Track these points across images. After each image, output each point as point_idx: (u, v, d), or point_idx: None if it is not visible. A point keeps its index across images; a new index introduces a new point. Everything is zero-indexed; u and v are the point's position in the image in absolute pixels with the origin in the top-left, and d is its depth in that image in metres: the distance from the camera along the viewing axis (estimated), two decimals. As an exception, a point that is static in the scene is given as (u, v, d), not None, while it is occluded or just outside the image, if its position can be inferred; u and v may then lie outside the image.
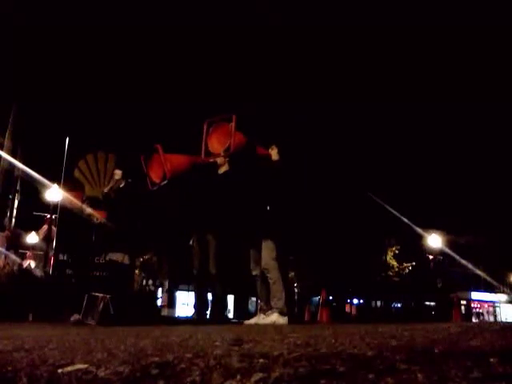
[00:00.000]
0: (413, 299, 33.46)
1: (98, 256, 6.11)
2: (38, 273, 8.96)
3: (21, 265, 10.01)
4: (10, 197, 13.89)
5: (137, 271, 7.14)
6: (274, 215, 4.51)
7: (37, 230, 14.87)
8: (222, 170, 5.14)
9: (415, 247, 30.01)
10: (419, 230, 26.52)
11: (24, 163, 12.98)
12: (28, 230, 15.39)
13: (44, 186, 13.48)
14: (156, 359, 1.25)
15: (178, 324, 5.79)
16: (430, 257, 28.34)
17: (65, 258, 8.02)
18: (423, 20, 35.36)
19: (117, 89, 20.59)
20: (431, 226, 26.85)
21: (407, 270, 31.12)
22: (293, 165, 4.89)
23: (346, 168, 27.66)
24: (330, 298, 25.12)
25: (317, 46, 30.39)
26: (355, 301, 34.54)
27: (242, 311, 25.27)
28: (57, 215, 9.31)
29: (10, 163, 12.78)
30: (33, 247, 14.02)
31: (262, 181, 4.65)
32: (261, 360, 1.13)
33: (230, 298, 26.37)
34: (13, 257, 11.06)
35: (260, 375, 0.96)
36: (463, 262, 30.87)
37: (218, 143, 4.84)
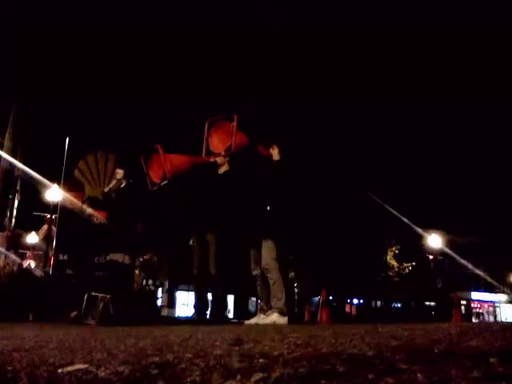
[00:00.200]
0: (413, 299, 33.47)
1: (98, 256, 6.11)
2: (38, 273, 8.95)
3: (21, 265, 10.00)
4: (10, 197, 13.88)
5: (137, 271, 7.13)
6: (274, 215, 4.51)
7: (37, 230, 14.87)
8: (222, 170, 5.14)
9: (415, 247, 30.02)
10: (419, 230, 26.53)
11: (24, 163, 12.98)
12: (28, 230, 15.39)
13: (44, 186, 13.48)
14: (156, 359, 1.25)
15: (178, 324, 5.79)
16: (430, 257, 28.34)
17: (65, 258, 8.02)
18: (423, 19, 35.36)
19: (117, 89, 20.60)
20: (431, 226, 26.87)
21: (407, 270, 31.14)
22: (293, 165, 4.88)
23: (345, 168, 27.67)
24: (330, 298, 25.13)
25: (317, 45, 30.39)
26: (355, 301, 34.56)
27: (241, 311, 25.28)
28: (57, 215, 9.30)
29: (10, 163, 12.78)
30: (33, 247, 14.00)
31: (262, 181, 4.65)
32: (261, 360, 1.13)
33: (230, 298, 26.38)
34: (13, 257, 11.04)
35: (260, 375, 0.96)
36: (463, 261, 30.87)
37: (219, 142, 4.84)
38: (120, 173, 5.96)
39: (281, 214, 4.53)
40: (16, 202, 14.23)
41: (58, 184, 9.40)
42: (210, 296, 5.35)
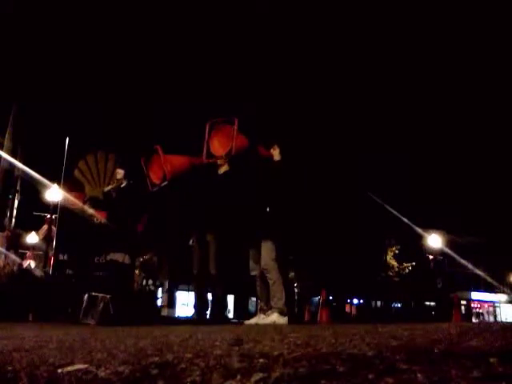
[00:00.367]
0: (413, 299, 33.49)
1: (98, 256, 6.11)
2: (38, 273, 8.96)
3: (21, 265, 10.00)
4: (10, 197, 13.88)
5: (137, 271, 7.13)
6: (273, 216, 4.51)
7: (37, 230, 14.87)
8: (222, 171, 5.14)
9: (415, 247, 30.04)
10: (419, 230, 26.54)
11: (24, 163, 12.98)
12: (28, 230, 15.39)
13: (44, 186, 13.48)
14: (156, 359, 1.25)
15: (178, 324, 5.79)
16: (430, 257, 28.35)
17: (65, 258, 8.01)
18: (422, 18, 35.38)
19: (117, 89, 20.60)
20: (431, 226, 26.88)
21: (407, 270, 31.16)
22: (294, 165, 4.88)
23: (346, 168, 27.68)
24: (330, 298, 25.14)
25: (317, 45, 30.41)
26: (355, 301, 34.57)
27: (241, 311, 25.29)
28: (57, 215, 9.30)
29: (10, 163, 12.78)
30: (33, 247, 14.00)
31: (262, 181, 4.65)
32: (261, 360, 1.13)
33: (230, 298, 26.39)
34: (13, 257, 11.04)
35: (260, 375, 0.96)
36: (463, 261, 30.89)
37: (219, 145, 4.84)
38: (120, 173, 5.96)
39: (280, 215, 4.53)
40: (16, 202, 14.23)
41: (58, 184, 9.41)
42: (210, 296, 5.36)
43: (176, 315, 25.25)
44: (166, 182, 5.09)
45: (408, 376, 0.89)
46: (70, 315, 5.74)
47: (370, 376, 0.90)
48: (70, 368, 1.21)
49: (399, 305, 35.24)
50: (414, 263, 31.06)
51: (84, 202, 6.94)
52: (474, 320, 29.24)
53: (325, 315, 8.84)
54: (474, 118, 36.22)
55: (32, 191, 14.77)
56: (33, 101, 13.98)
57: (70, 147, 8.66)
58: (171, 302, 28.63)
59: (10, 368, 1.26)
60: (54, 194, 12.58)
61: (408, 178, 31.61)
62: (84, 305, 5.11)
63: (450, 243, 29.25)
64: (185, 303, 28.37)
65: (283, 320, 4.26)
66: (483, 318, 36.28)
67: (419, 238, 27.58)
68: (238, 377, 0.97)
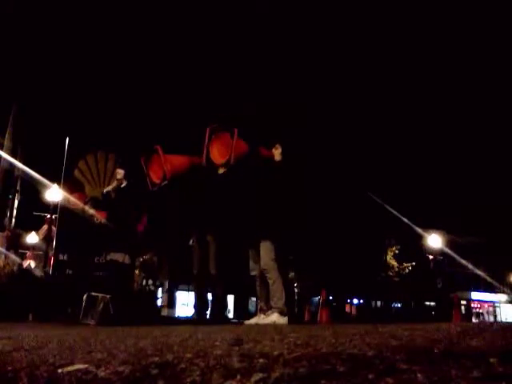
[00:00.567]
0: (413, 299, 33.48)
1: (98, 256, 6.12)
2: (38, 273, 8.96)
3: (21, 265, 10.00)
4: (10, 197, 13.89)
5: (137, 271, 7.14)
6: (272, 216, 4.50)
7: (37, 230, 14.88)
8: (221, 170, 5.14)
9: (415, 247, 30.04)
10: (419, 230, 26.53)
11: (24, 163, 12.98)
12: (28, 230, 15.40)
13: (44, 186, 13.48)
14: (156, 359, 1.25)
15: (178, 324, 5.78)
16: (430, 257, 28.35)
17: (65, 258, 8.02)
18: (422, 17, 35.37)
19: (117, 89, 20.60)
20: (431, 226, 26.88)
21: (407, 270, 31.15)
22: (294, 165, 4.88)
23: (346, 168, 27.67)
24: (330, 298, 25.13)
25: (317, 45, 30.40)
26: (355, 301, 34.56)
27: (242, 311, 25.28)
28: (57, 215, 9.30)
29: (10, 163, 12.78)
30: (33, 247, 14.03)
31: (262, 181, 4.65)
32: (261, 360, 1.13)
33: (230, 298, 26.39)
34: (13, 257, 11.05)
35: (260, 375, 0.96)
36: (463, 262, 30.89)
37: (218, 154, 4.82)
38: (120, 173, 5.96)
39: (279, 215, 4.53)
40: (16, 202, 14.23)
41: (58, 184, 9.41)
42: (210, 296, 5.36)
43: (176, 315, 25.25)
44: (165, 182, 5.08)
45: (408, 376, 0.89)
46: (70, 315, 5.74)
47: (370, 376, 0.90)
48: (70, 368, 1.21)
49: (399, 305, 35.23)
50: (413, 263, 31.05)
51: (85, 203, 6.95)
52: (474, 320, 29.24)
53: (325, 315, 8.84)
54: (474, 118, 36.22)
55: (32, 191, 14.79)
56: (33, 101, 13.98)
57: (69, 147, 8.66)
58: (171, 302, 28.63)
59: (9, 368, 1.26)
60: (54, 193, 12.58)
61: (408, 178, 31.60)
62: (84, 305, 5.11)
63: (449, 243, 29.26)
64: (185, 303, 28.37)
65: (283, 320, 4.26)
66: (483, 318, 36.28)
67: (419, 238, 27.58)
68: (238, 377, 0.97)
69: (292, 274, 23.75)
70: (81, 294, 5.28)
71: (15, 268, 8.22)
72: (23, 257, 12.38)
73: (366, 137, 31.05)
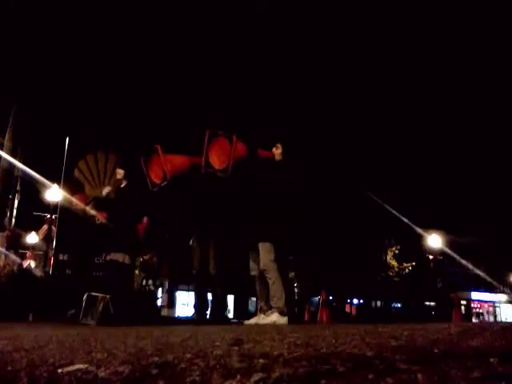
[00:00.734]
0: (413, 299, 33.48)
1: (98, 256, 6.11)
2: (38, 273, 8.97)
3: (21, 265, 10.00)
4: (10, 197, 13.88)
5: (137, 271, 7.13)
6: (272, 216, 4.50)
7: (37, 230, 14.86)
8: (220, 175, 5.12)
9: (415, 247, 30.04)
10: (419, 230, 26.53)
11: (24, 163, 12.98)
12: (28, 229, 15.38)
13: (44, 186, 13.48)
14: (156, 359, 1.25)
15: (178, 324, 5.79)
16: (430, 257, 28.35)
17: (65, 258, 8.02)
18: (422, 17, 35.36)
19: (117, 89, 20.60)
20: (431, 226, 26.86)
21: (407, 270, 31.15)
22: (294, 165, 4.87)
23: (346, 168, 27.67)
24: (330, 298, 25.13)
25: (317, 44, 30.39)
26: (355, 301, 34.55)
27: (242, 311, 25.28)
28: (57, 215, 9.31)
29: (10, 163, 12.77)
30: (33, 247, 14.00)
31: (262, 182, 4.65)
32: (261, 360, 1.13)
33: (230, 298, 26.39)
34: (13, 257, 11.04)
35: (260, 375, 0.96)
36: (463, 261, 30.88)
37: (218, 160, 4.81)
38: (120, 173, 5.95)
39: (279, 215, 4.52)
40: (16, 202, 14.23)
41: (58, 184, 9.41)
42: (210, 296, 5.36)
43: (176, 315, 25.26)
44: (166, 182, 5.08)
45: (408, 376, 0.89)
46: (71, 315, 5.74)
47: (370, 376, 0.90)
48: (70, 368, 1.21)
49: (399, 305, 35.23)
50: (413, 263, 31.05)
51: (87, 204, 6.94)
52: (474, 320, 29.24)
53: (325, 315, 8.85)
54: (474, 118, 36.21)
55: (32, 191, 14.78)
56: (33, 101, 13.98)
57: (69, 147, 8.67)
58: (171, 302, 28.64)
59: (9, 368, 1.26)
60: (54, 194, 12.58)
61: (408, 178, 31.60)
62: (84, 305, 5.11)
63: (449, 243, 29.24)
64: (185, 303, 28.38)
65: (283, 320, 4.25)
66: (483, 318, 36.26)
67: (419, 238, 27.57)
68: (238, 377, 0.97)
69: (292, 274, 23.74)
70: (81, 294, 5.28)
71: (15, 268, 8.22)
72: (23, 257, 12.36)
73: (366, 137, 31.06)
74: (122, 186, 5.94)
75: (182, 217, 5.96)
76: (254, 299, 26.60)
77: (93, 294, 5.13)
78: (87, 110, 18.53)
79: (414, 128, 35.67)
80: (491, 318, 37.00)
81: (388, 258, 31.16)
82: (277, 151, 4.71)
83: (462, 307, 30.61)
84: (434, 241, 24.63)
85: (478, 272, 33.02)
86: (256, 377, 0.96)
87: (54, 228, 11.40)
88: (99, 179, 8.48)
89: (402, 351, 1.17)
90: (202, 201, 5.11)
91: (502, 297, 38.32)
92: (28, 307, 6.44)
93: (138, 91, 22.53)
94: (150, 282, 7.83)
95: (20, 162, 12.99)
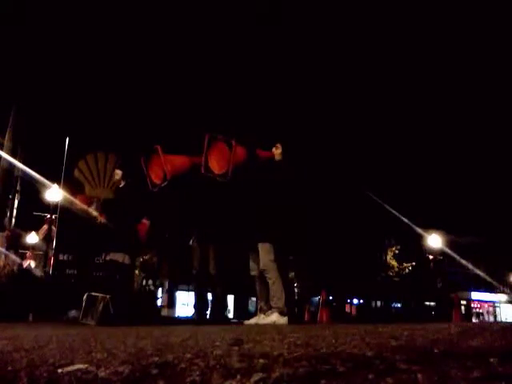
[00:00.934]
0: (413, 299, 33.47)
1: (98, 256, 6.10)
2: (38, 273, 8.97)
3: (21, 265, 10.01)
4: (10, 197, 13.88)
5: (137, 271, 7.13)
6: (272, 216, 4.49)
7: (37, 230, 14.85)
8: (220, 179, 5.12)
9: (415, 247, 30.03)
10: (419, 230, 26.53)
11: (24, 163, 12.98)
12: (28, 229, 15.37)
13: (44, 186, 13.48)
14: (156, 359, 1.25)
15: (178, 324, 5.78)
16: (430, 257, 28.34)
17: (65, 258, 8.02)
18: (422, 17, 35.35)
19: (117, 89, 20.60)
20: (431, 226, 26.86)
21: (407, 270, 31.15)
22: (294, 165, 4.87)
23: (345, 168, 27.67)
24: (330, 298, 25.13)
25: (317, 44, 30.39)
26: (355, 301, 34.55)
27: (242, 311, 25.28)
28: (57, 215, 9.31)
29: (10, 163, 12.77)
30: (33, 247, 14.00)
31: (262, 182, 4.64)
32: (261, 360, 1.13)
33: (230, 298, 26.38)
34: (13, 257, 11.04)
35: (260, 375, 0.96)
36: (463, 261, 30.88)
37: (217, 165, 4.80)
38: (118, 173, 5.95)
39: (279, 215, 4.52)
40: (16, 202, 14.23)
41: (58, 184, 9.41)
42: (210, 296, 5.36)
43: (176, 315, 25.26)
44: (166, 182, 5.07)
45: (408, 376, 0.89)
46: (72, 317, 5.74)
47: (370, 376, 0.90)
48: (70, 368, 1.21)
49: (399, 305, 35.22)
50: (413, 263, 31.05)
51: (89, 205, 6.93)
52: (474, 320, 29.24)
53: (325, 315, 8.84)
54: (474, 118, 36.21)
55: (32, 191, 14.78)
56: (33, 101, 13.98)
57: (70, 147, 8.67)
58: (171, 302, 28.63)
59: (10, 368, 1.26)
60: (54, 194, 12.58)
61: (408, 178, 31.60)
62: (84, 305, 5.11)
63: (449, 243, 29.23)
64: (185, 303, 28.38)
65: (283, 320, 4.25)
66: (483, 318, 36.26)
67: (419, 238, 27.57)
68: (238, 377, 0.97)
69: (292, 274, 23.73)
70: (81, 294, 5.28)
71: (15, 268, 8.23)
72: (23, 257, 12.36)
73: (366, 137, 31.05)
74: (121, 186, 5.94)
75: (182, 217, 5.96)
76: (254, 299, 26.60)
77: (93, 293, 5.13)
78: (87, 110, 18.52)
79: (413, 128, 35.68)
80: (491, 318, 37.00)
81: (388, 258, 31.15)
82: (277, 151, 4.70)
83: (462, 307, 30.61)
84: (434, 241, 24.62)
85: (478, 272, 33.02)
86: (256, 377, 0.96)
87: (54, 228, 11.39)
88: (99, 179, 8.48)
89: (401, 351, 1.17)
90: (202, 203, 5.10)
91: (502, 297, 38.31)
92: (28, 307, 6.45)
93: (138, 91, 22.54)
94: (150, 281, 7.83)
95: (20, 162, 12.99)
